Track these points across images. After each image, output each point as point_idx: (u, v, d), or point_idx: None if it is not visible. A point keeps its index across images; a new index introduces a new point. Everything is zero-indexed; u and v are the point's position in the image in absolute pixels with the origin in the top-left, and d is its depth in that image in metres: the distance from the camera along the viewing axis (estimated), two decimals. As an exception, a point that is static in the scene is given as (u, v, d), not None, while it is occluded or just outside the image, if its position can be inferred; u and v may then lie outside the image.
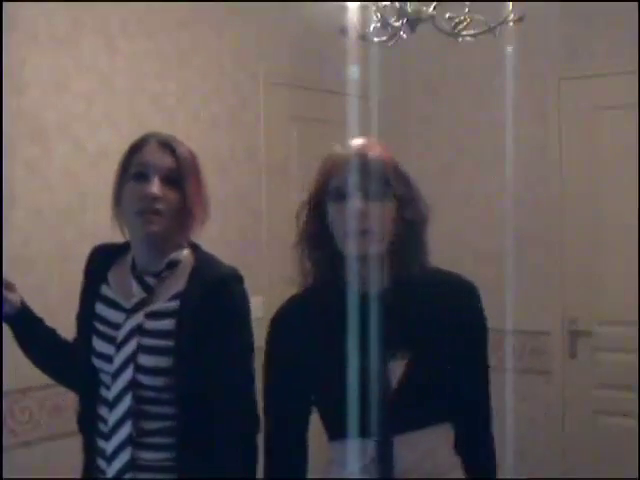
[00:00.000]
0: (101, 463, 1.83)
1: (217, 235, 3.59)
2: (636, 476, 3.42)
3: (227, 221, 3.66)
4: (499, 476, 2.02)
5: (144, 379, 1.76)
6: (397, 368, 1.63)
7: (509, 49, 3.40)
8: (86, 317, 1.88)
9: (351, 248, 1.62)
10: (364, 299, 1.65)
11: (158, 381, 1.76)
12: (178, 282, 1.82)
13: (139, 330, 1.78)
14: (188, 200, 1.82)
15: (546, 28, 3.83)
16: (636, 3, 3.58)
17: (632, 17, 3.67)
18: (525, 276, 3.95)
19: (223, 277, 1.81)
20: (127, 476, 1.76)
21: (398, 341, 1.63)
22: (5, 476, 2.50)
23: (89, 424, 1.86)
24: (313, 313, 1.72)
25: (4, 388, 2.70)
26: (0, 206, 2.77)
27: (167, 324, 1.78)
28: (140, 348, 1.77)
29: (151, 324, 1.79)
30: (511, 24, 2.55)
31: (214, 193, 3.70)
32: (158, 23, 3.36)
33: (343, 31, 2.67)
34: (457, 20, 2.55)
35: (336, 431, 1.69)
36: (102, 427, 1.81)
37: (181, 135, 3.53)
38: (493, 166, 4.10)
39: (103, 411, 1.82)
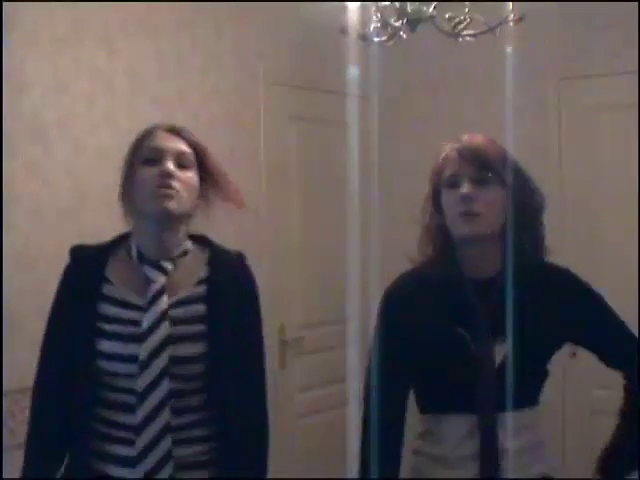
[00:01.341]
0: (114, 470, 1.76)
1: (217, 235, 3.59)
2: (636, 476, 3.42)
3: (227, 221, 3.66)
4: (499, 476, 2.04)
5: (175, 369, 1.73)
6: (500, 349, 1.78)
7: (509, 49, 3.39)
8: (84, 320, 1.78)
9: (460, 229, 1.76)
10: (474, 282, 1.80)
11: (189, 369, 1.74)
12: (197, 269, 1.83)
13: (164, 315, 1.74)
14: (209, 179, 1.85)
15: (546, 28, 3.83)
16: (636, 3, 3.58)
17: (632, 17, 3.67)
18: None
19: (241, 260, 1.89)
20: (165, 471, 1.70)
21: (504, 322, 1.76)
22: (5, 476, 2.51)
23: (81, 432, 1.78)
24: (426, 291, 1.84)
25: (4, 388, 2.70)
26: (0, 206, 2.77)
27: (197, 309, 1.78)
28: (170, 337, 1.73)
29: (181, 311, 1.77)
30: (511, 24, 2.55)
31: (214, 193, 3.72)
32: (158, 23, 3.36)
33: (343, 31, 2.67)
34: (457, 20, 2.55)
35: (437, 405, 1.83)
36: (115, 432, 1.76)
37: (181, 135, 3.54)
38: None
39: (116, 416, 1.76)
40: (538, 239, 1.94)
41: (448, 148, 1.86)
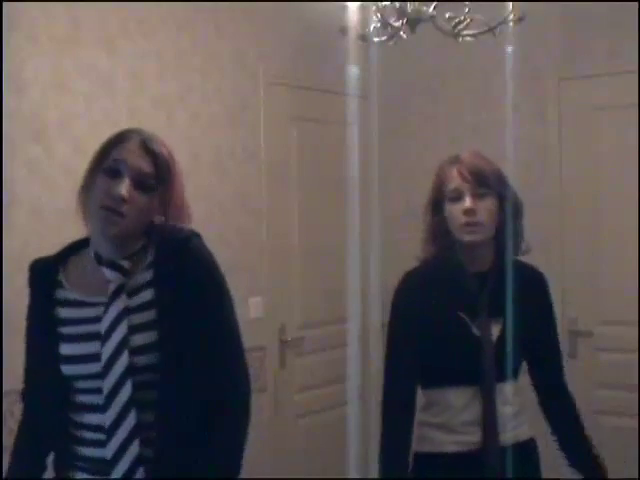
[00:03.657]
0: (81, 474, 1.74)
1: (217, 235, 3.59)
2: (636, 476, 3.42)
3: (227, 221, 3.66)
4: (499, 476, 2.06)
5: (139, 360, 1.69)
6: (495, 329, 2.12)
7: (509, 49, 3.39)
8: (44, 326, 1.79)
9: (465, 236, 2.10)
10: (473, 275, 2.13)
11: (153, 358, 1.70)
12: (147, 254, 1.78)
13: (126, 311, 1.71)
14: (166, 200, 1.76)
15: (546, 28, 3.83)
16: (636, 3, 3.58)
17: (632, 17, 3.67)
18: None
19: (185, 235, 1.78)
20: (139, 472, 1.67)
21: (496, 307, 2.11)
22: (5, 476, 2.50)
23: (59, 437, 1.77)
24: (432, 283, 2.16)
25: (4, 388, 2.70)
26: (0, 206, 2.77)
27: (147, 295, 1.74)
28: (129, 328, 1.70)
29: (133, 301, 1.73)
30: (511, 24, 2.55)
31: (214, 193, 3.75)
32: (158, 23, 3.36)
33: (343, 31, 2.67)
34: (457, 20, 2.55)
35: (442, 379, 2.13)
36: (87, 435, 1.73)
37: (181, 135, 3.56)
38: (493, 166, 4.10)
39: (86, 418, 1.74)
40: (521, 235, 2.22)
41: (447, 165, 2.18)
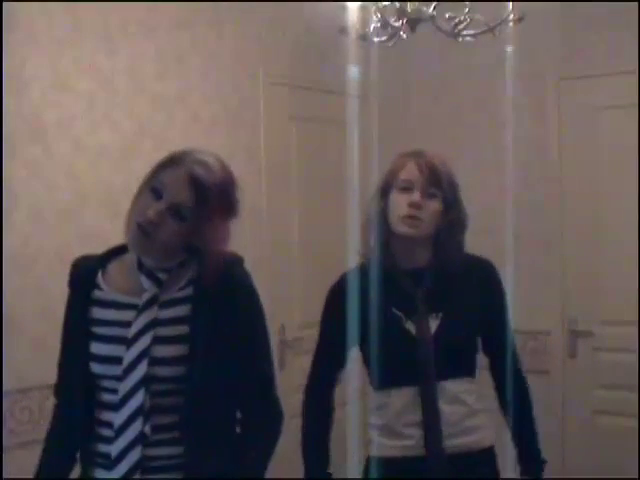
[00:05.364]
0: (100, 472, 1.80)
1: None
2: (636, 476, 3.42)
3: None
4: (499, 476, 2.06)
5: (160, 371, 1.74)
6: (433, 325, 2.08)
7: (509, 49, 3.39)
8: (79, 324, 1.83)
9: (402, 228, 2.08)
10: (409, 272, 2.12)
11: (174, 371, 1.75)
12: (188, 271, 1.82)
13: (154, 323, 1.76)
14: (196, 232, 1.78)
15: (546, 28, 3.82)
16: (636, 3, 3.58)
17: (632, 17, 3.67)
18: (525, 276, 3.94)
19: (231, 260, 1.87)
20: (136, 476, 1.73)
21: (434, 303, 2.08)
22: (5, 476, 2.51)
23: (86, 433, 1.82)
24: (366, 281, 2.13)
25: (4, 388, 2.70)
26: (0, 206, 2.77)
27: (182, 310, 1.78)
28: (155, 339, 1.75)
29: (165, 313, 1.78)
30: (511, 24, 2.55)
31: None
32: (158, 23, 3.36)
33: (343, 31, 2.67)
34: (457, 20, 2.55)
35: (384, 380, 2.09)
36: (105, 432, 1.78)
37: (181, 135, 3.56)
38: (493, 166, 4.10)
39: (107, 416, 1.79)
40: (461, 246, 2.21)
41: (407, 156, 2.17)
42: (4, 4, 2.74)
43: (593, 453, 3.87)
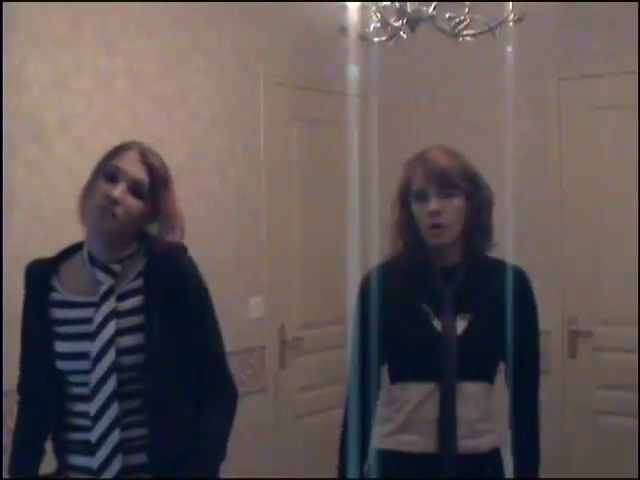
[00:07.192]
0: (78, 458, 1.93)
1: (217, 235, 3.59)
2: (636, 476, 3.42)
3: (227, 221, 3.66)
4: (500, 476, 2.06)
5: (125, 359, 1.87)
6: (460, 326, 2.05)
7: (509, 49, 3.39)
8: (39, 325, 1.96)
9: (430, 239, 2.06)
10: (441, 270, 2.09)
11: (136, 359, 1.87)
12: (137, 263, 1.95)
13: (113, 314, 1.88)
14: (154, 213, 1.94)
15: (546, 28, 3.82)
16: (636, 3, 3.58)
17: (632, 17, 3.67)
18: (525, 276, 3.94)
19: (174, 249, 1.97)
20: (117, 458, 1.85)
21: (464, 304, 2.06)
22: (5, 476, 2.51)
23: (55, 425, 1.95)
24: (398, 278, 2.12)
25: (4, 388, 2.70)
26: (0, 206, 2.77)
27: (135, 301, 1.91)
28: (117, 331, 1.88)
29: (122, 305, 1.91)
30: (511, 24, 2.55)
31: (214, 193, 3.74)
32: (158, 23, 3.36)
33: (343, 31, 2.67)
34: (457, 20, 2.55)
35: (404, 374, 2.08)
36: (80, 422, 1.91)
37: (181, 135, 3.56)
38: (493, 166, 4.10)
39: (80, 407, 1.91)
40: (490, 231, 2.15)
41: (413, 162, 2.12)
42: (4, 4, 2.75)
43: (593, 453, 3.87)
